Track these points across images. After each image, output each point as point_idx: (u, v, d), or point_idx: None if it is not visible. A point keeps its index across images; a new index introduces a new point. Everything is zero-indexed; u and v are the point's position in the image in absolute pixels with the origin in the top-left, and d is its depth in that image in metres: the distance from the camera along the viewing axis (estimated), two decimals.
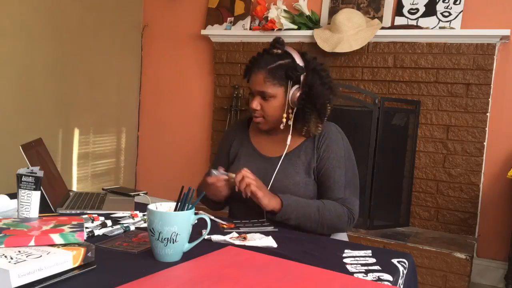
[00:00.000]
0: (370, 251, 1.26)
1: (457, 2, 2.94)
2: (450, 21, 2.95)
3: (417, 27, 3.01)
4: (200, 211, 1.38)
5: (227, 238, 1.26)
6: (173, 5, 3.91)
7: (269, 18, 3.30)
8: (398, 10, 3.10)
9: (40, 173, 1.23)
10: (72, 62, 3.43)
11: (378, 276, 1.08)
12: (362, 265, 1.15)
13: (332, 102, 1.58)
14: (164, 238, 1.06)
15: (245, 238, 1.27)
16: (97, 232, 1.25)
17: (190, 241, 1.12)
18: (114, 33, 3.77)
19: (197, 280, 0.96)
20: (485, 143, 2.90)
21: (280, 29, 3.30)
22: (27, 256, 0.91)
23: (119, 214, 1.46)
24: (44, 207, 1.39)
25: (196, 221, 1.13)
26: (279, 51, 1.55)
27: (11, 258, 0.90)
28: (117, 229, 1.29)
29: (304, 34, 3.24)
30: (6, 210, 1.39)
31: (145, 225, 1.35)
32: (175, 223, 1.07)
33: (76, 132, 3.55)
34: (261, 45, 3.44)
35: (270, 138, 1.65)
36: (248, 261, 1.08)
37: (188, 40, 3.86)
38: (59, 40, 3.31)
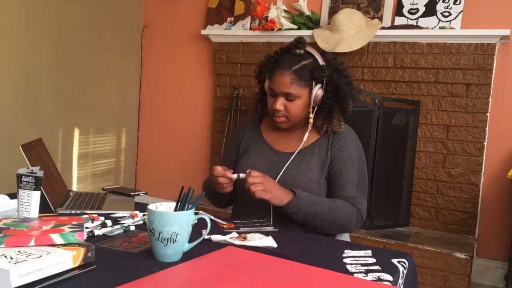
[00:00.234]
0: (370, 251, 1.26)
1: (457, 2, 2.94)
2: (450, 21, 2.95)
3: (417, 27, 3.01)
4: (200, 211, 1.38)
5: (227, 238, 1.26)
6: (173, 5, 3.91)
7: (269, 18, 3.30)
8: (398, 10, 3.10)
9: (40, 173, 1.23)
10: (72, 62, 3.43)
11: (378, 276, 1.08)
12: (362, 265, 1.15)
13: (356, 101, 1.61)
14: (164, 238, 1.06)
15: (245, 238, 1.27)
16: (97, 232, 1.25)
17: (190, 241, 1.12)
18: (114, 33, 3.77)
19: (197, 280, 0.96)
20: (485, 143, 2.90)
21: (280, 29, 3.30)
22: (27, 256, 0.91)
23: (119, 214, 1.46)
24: (44, 207, 1.39)
25: (196, 221, 1.13)
26: (302, 51, 1.55)
27: (11, 258, 0.90)
28: (117, 229, 1.29)
29: (304, 34, 3.24)
30: (6, 210, 1.39)
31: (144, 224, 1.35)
32: (175, 223, 1.07)
33: (76, 132, 3.55)
34: (261, 45, 3.45)
35: (284, 134, 1.65)
36: (248, 261, 1.08)
37: (188, 40, 3.86)
38: (59, 40, 3.31)
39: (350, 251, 1.25)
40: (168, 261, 1.07)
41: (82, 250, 0.98)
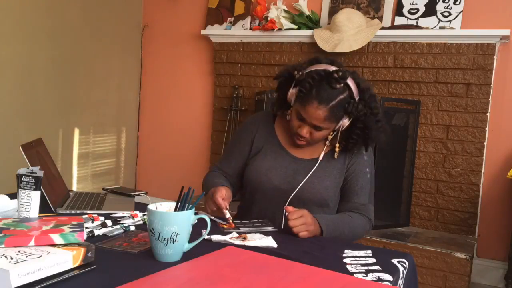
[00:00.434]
0: (370, 251, 1.26)
1: (457, 2, 2.94)
2: (450, 21, 2.95)
3: (417, 27, 3.01)
4: (200, 211, 1.38)
5: (227, 238, 1.26)
6: (173, 5, 3.91)
7: (269, 18, 3.30)
8: (398, 10, 3.10)
9: (40, 173, 1.23)
10: (72, 62, 3.43)
11: (378, 276, 1.08)
12: (362, 265, 1.15)
13: (381, 139, 1.58)
14: (164, 238, 1.06)
15: (245, 238, 1.27)
16: (97, 232, 1.25)
17: (190, 241, 1.12)
18: (114, 33, 3.77)
19: (197, 280, 0.96)
20: (485, 143, 2.90)
21: (280, 29, 3.30)
22: (27, 256, 0.91)
23: (119, 214, 1.46)
24: (44, 207, 1.39)
25: (196, 221, 1.13)
26: (342, 85, 1.47)
27: (11, 258, 0.90)
28: (117, 229, 1.29)
29: (304, 34, 3.24)
30: (6, 210, 1.39)
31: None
32: (175, 223, 1.07)
33: (76, 132, 3.55)
34: (261, 45, 3.45)
35: None
36: (248, 261, 1.08)
37: (188, 40, 3.86)
38: (59, 40, 3.31)
39: (350, 251, 1.25)
40: (168, 261, 1.07)
41: (82, 250, 0.98)
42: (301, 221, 1.37)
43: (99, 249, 1.09)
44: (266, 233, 1.34)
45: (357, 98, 1.50)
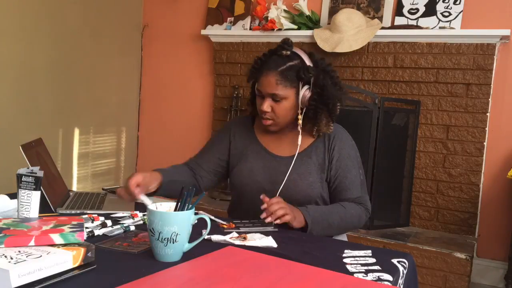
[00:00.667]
0: (370, 251, 1.26)
1: (457, 2, 2.94)
2: (450, 21, 2.95)
3: (417, 27, 3.01)
4: (200, 211, 1.38)
5: (227, 238, 1.26)
6: (173, 5, 3.91)
7: (269, 18, 3.30)
8: (398, 10, 3.10)
9: (40, 173, 1.23)
10: (72, 62, 3.43)
11: (378, 276, 1.08)
12: (362, 265, 1.15)
13: (343, 102, 1.60)
14: (164, 238, 1.06)
15: (245, 238, 1.27)
16: (97, 232, 1.25)
17: (190, 241, 1.12)
18: (114, 33, 3.77)
19: (197, 280, 0.96)
20: (485, 143, 2.90)
21: (280, 29, 3.30)
22: (27, 256, 0.91)
23: (119, 214, 1.46)
24: (44, 207, 1.39)
25: (196, 221, 1.13)
26: (288, 52, 1.53)
27: (11, 258, 0.90)
28: (117, 229, 1.29)
29: (304, 34, 3.24)
30: (6, 210, 1.39)
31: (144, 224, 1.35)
32: (175, 223, 1.07)
33: (76, 132, 3.55)
34: (261, 45, 3.45)
35: (278, 137, 1.64)
36: (248, 261, 1.08)
37: (188, 40, 3.86)
38: (59, 40, 3.31)
39: (350, 251, 1.25)
40: (168, 261, 1.07)
41: (82, 250, 0.98)
42: (278, 205, 1.39)
43: (99, 249, 1.09)
44: (266, 233, 1.34)
45: (310, 64, 1.53)
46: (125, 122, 3.99)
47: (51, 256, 0.93)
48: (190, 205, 1.14)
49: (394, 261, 1.20)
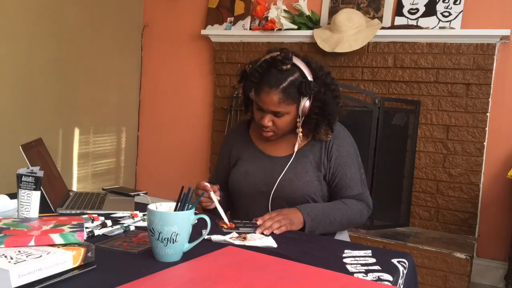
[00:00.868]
0: (370, 251, 1.26)
1: (457, 2, 2.94)
2: (450, 21, 2.95)
3: (417, 27, 3.01)
4: (201, 211, 1.38)
5: (227, 238, 1.26)
6: (173, 5, 3.91)
7: (269, 18, 3.30)
8: (398, 10, 3.10)
9: (40, 173, 1.23)
10: (72, 62, 3.43)
11: (378, 276, 1.08)
12: (362, 265, 1.15)
13: (342, 115, 1.60)
14: (164, 238, 1.06)
15: (245, 238, 1.27)
16: (97, 232, 1.25)
17: (190, 241, 1.12)
18: (114, 33, 3.77)
19: (197, 280, 0.96)
20: (485, 143, 2.90)
21: (280, 29, 3.30)
22: (27, 256, 0.91)
23: (119, 214, 1.46)
24: (44, 207, 1.39)
25: (196, 221, 1.13)
26: (288, 66, 1.49)
27: (11, 258, 0.90)
28: (117, 229, 1.29)
29: (304, 34, 3.24)
30: (6, 210, 1.39)
31: (145, 224, 1.35)
32: (175, 223, 1.07)
33: (76, 132, 3.55)
34: (261, 45, 3.45)
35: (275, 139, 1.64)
36: (248, 261, 1.08)
37: (188, 40, 3.86)
38: (59, 40, 3.31)
39: (350, 251, 1.25)
40: (168, 261, 1.07)
41: (82, 250, 0.98)
42: (272, 220, 1.38)
43: (99, 249, 1.09)
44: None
45: (310, 77, 1.50)
46: (125, 122, 3.99)
47: (51, 256, 0.93)
48: (190, 205, 1.14)
49: (394, 261, 1.20)
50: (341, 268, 1.12)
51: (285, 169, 1.56)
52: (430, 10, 3.01)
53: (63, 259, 0.94)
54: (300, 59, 1.53)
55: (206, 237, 1.19)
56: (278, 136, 1.59)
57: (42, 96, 3.24)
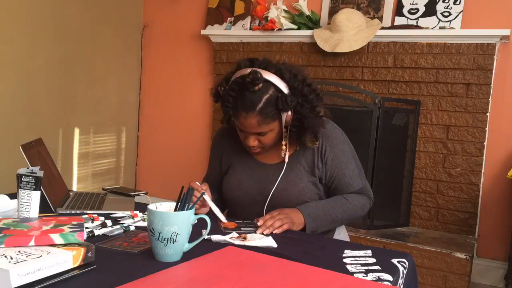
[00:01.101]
0: (370, 251, 1.26)
1: (457, 2, 2.94)
2: (450, 21, 2.95)
3: (417, 27, 3.01)
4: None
5: (227, 238, 1.26)
6: (173, 5, 3.91)
7: (269, 18, 3.30)
8: (398, 10, 3.10)
9: (40, 173, 1.23)
10: (72, 62, 3.43)
11: (378, 276, 1.08)
12: (362, 265, 1.15)
13: (321, 127, 1.53)
14: (164, 238, 1.06)
15: (245, 238, 1.27)
16: (97, 232, 1.25)
17: (190, 241, 1.12)
18: (114, 33, 3.77)
19: (197, 280, 0.96)
20: (485, 143, 2.90)
21: (280, 29, 3.30)
22: (27, 256, 0.91)
23: (119, 214, 1.46)
24: (44, 207, 1.39)
25: (196, 221, 1.13)
26: (260, 85, 1.41)
27: (11, 258, 0.90)
28: (117, 229, 1.29)
29: (304, 34, 3.24)
30: (6, 210, 1.39)
31: (145, 224, 1.35)
32: (175, 223, 1.07)
33: (76, 132, 3.55)
34: (261, 45, 3.45)
35: None
36: (248, 261, 1.08)
37: (188, 40, 3.86)
38: (59, 40, 3.31)
39: (350, 251, 1.25)
40: (168, 261, 1.07)
41: (82, 250, 0.98)
42: (273, 219, 1.38)
43: (99, 249, 1.09)
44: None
45: (286, 89, 1.44)
46: (125, 122, 3.99)
47: (51, 256, 0.93)
48: (190, 205, 1.14)
49: (394, 261, 1.20)
50: (341, 268, 1.12)
51: (279, 178, 1.54)
52: (430, 10, 3.01)
53: (63, 259, 0.94)
54: (273, 72, 1.45)
55: (206, 237, 1.19)
56: (267, 150, 1.57)
57: (42, 96, 3.24)
